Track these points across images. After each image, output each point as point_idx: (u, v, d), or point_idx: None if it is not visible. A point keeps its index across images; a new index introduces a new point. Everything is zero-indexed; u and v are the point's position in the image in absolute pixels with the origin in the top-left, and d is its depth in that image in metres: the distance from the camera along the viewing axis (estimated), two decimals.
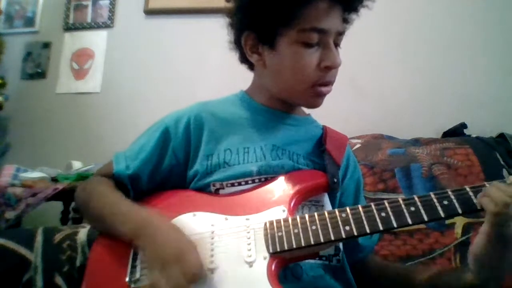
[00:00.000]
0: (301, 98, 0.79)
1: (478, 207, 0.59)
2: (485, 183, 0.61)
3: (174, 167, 0.78)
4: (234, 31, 0.80)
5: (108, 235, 0.70)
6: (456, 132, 1.67)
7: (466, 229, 1.20)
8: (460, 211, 0.59)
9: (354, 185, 0.86)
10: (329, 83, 0.76)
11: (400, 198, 0.62)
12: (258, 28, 0.75)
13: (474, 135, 1.55)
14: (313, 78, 0.74)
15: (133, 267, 0.64)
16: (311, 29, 0.70)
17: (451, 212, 0.60)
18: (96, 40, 2.29)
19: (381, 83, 1.90)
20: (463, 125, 1.70)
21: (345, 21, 0.77)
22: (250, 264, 0.61)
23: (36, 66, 2.32)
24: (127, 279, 0.63)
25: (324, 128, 0.88)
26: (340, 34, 0.75)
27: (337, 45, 0.76)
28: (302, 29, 0.70)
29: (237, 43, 0.81)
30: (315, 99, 0.78)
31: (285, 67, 0.75)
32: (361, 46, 1.88)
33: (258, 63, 0.79)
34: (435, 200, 0.61)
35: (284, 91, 0.79)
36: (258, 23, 0.74)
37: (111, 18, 2.29)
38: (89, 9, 2.33)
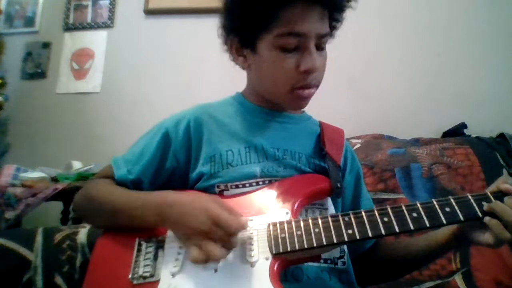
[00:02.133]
0: (283, 100, 0.79)
1: (480, 215, 0.60)
2: (487, 191, 0.62)
3: (176, 170, 0.78)
4: (223, 34, 0.80)
5: (116, 230, 0.70)
6: (456, 132, 1.67)
7: None
8: (462, 218, 0.60)
9: (354, 179, 0.87)
10: (310, 86, 0.75)
11: (402, 204, 0.63)
12: (239, 32, 0.75)
13: (474, 135, 1.56)
14: (292, 82, 0.73)
15: (136, 264, 0.65)
16: (288, 33, 0.69)
17: (453, 219, 0.60)
18: (96, 40, 2.29)
19: (381, 83, 1.90)
20: (463, 125, 1.70)
21: (332, 21, 0.75)
22: (253, 264, 0.61)
23: (36, 66, 2.32)
24: (129, 276, 0.63)
25: (321, 125, 0.88)
26: (323, 36, 0.73)
27: (321, 47, 0.74)
28: (278, 34, 0.70)
29: (227, 46, 0.82)
30: (297, 101, 0.77)
31: (265, 71, 0.75)
32: (361, 46, 1.89)
33: (244, 66, 0.80)
34: (437, 207, 0.61)
35: (268, 93, 0.80)
36: (238, 27, 0.75)
37: (111, 18, 2.29)
38: (89, 9, 2.33)
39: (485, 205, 0.60)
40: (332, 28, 0.77)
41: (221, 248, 0.58)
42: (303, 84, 0.73)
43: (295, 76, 0.72)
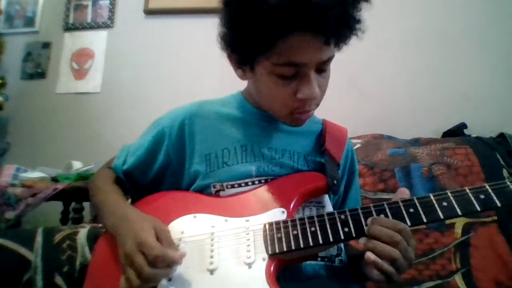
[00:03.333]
0: (281, 119, 0.77)
1: (479, 209, 0.59)
2: (485, 184, 0.61)
3: (169, 166, 0.80)
4: (222, 45, 0.76)
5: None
6: (456, 132, 1.67)
7: (466, 229, 1.20)
8: (460, 212, 0.59)
9: (346, 180, 0.87)
10: (307, 111, 0.72)
11: (399, 199, 0.63)
12: (237, 53, 0.73)
13: (474, 135, 1.56)
14: (289, 107, 0.71)
15: None
16: (285, 63, 0.65)
17: (450, 214, 0.60)
18: (96, 40, 2.29)
19: (381, 83, 1.90)
20: (463, 125, 1.70)
21: (337, 47, 0.69)
22: (249, 265, 0.61)
23: (36, 66, 2.32)
24: None
25: (324, 123, 0.88)
26: (325, 61, 0.68)
27: (323, 70, 0.70)
28: (276, 63, 0.66)
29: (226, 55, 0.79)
30: (295, 122, 0.75)
31: (263, 92, 0.74)
32: (361, 46, 1.88)
33: (242, 78, 0.79)
34: (434, 202, 0.61)
35: (266, 109, 0.79)
36: (237, 48, 0.72)
37: (111, 18, 2.29)
38: (89, 9, 2.33)
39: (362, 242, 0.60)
40: (339, 45, 0.71)
41: (136, 278, 0.57)
42: (301, 110, 0.71)
43: (293, 103, 0.70)
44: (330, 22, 0.60)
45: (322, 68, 0.69)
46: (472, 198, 0.60)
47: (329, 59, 0.69)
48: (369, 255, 0.58)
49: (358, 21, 0.67)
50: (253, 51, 0.67)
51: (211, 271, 0.61)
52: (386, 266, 0.57)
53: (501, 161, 1.33)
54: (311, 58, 0.65)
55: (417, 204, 0.61)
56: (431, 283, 1.13)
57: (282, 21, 0.60)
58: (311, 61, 0.66)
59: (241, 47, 0.70)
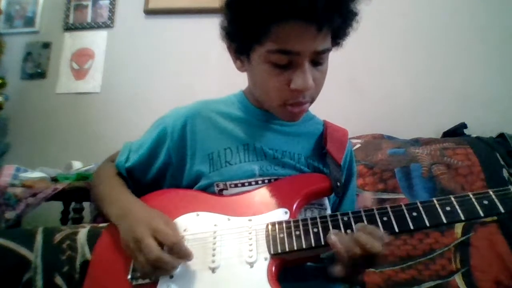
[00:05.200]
0: (275, 112, 0.77)
1: (482, 214, 0.59)
2: (489, 190, 0.61)
3: (169, 167, 0.80)
4: (223, 36, 0.78)
5: (113, 228, 0.71)
6: (456, 132, 1.67)
7: (466, 229, 1.20)
8: (463, 217, 0.59)
9: (344, 178, 0.86)
10: (301, 104, 0.72)
11: (402, 203, 0.63)
12: (234, 41, 0.74)
13: (474, 135, 1.56)
14: (282, 98, 0.71)
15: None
16: (278, 50, 0.66)
17: (453, 219, 0.60)
18: (96, 40, 2.29)
19: (381, 83, 1.91)
20: (463, 125, 1.70)
21: (335, 35, 0.70)
22: (251, 264, 0.61)
23: (36, 66, 2.32)
24: (129, 276, 0.63)
25: (325, 125, 0.88)
26: (321, 52, 0.68)
27: (319, 63, 0.69)
28: (269, 50, 0.66)
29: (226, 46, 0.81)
30: (289, 116, 0.75)
31: (258, 81, 0.74)
32: (362, 46, 1.89)
33: (241, 70, 0.79)
34: (437, 206, 0.61)
35: (262, 101, 0.79)
36: (234, 35, 0.73)
37: (111, 18, 2.29)
38: (89, 9, 2.33)
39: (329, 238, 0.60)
40: (337, 40, 0.72)
41: (148, 262, 0.59)
42: (294, 101, 0.71)
43: (286, 93, 0.69)
44: (320, 9, 0.61)
45: (317, 60, 0.69)
46: (476, 204, 0.60)
47: (325, 51, 0.69)
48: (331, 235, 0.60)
49: (352, 11, 0.68)
50: (248, 38, 0.69)
51: (213, 270, 0.61)
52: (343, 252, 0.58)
53: (501, 161, 1.33)
54: (305, 47, 0.65)
55: (420, 208, 0.61)
56: (431, 283, 1.13)
57: (274, 7, 0.62)
58: (304, 50, 0.66)
59: (238, 34, 0.71)
